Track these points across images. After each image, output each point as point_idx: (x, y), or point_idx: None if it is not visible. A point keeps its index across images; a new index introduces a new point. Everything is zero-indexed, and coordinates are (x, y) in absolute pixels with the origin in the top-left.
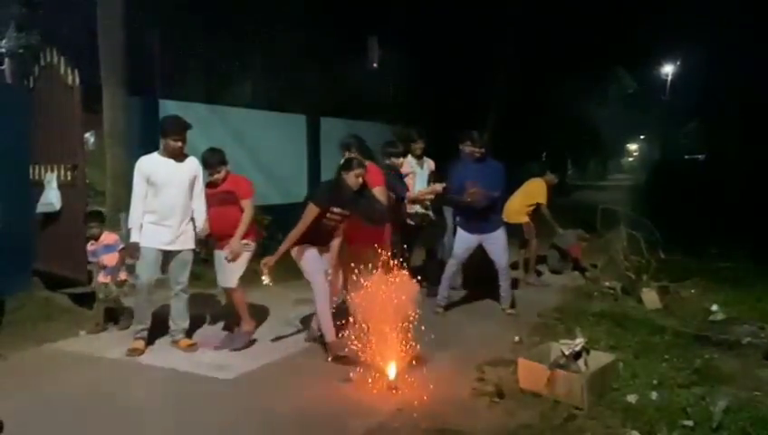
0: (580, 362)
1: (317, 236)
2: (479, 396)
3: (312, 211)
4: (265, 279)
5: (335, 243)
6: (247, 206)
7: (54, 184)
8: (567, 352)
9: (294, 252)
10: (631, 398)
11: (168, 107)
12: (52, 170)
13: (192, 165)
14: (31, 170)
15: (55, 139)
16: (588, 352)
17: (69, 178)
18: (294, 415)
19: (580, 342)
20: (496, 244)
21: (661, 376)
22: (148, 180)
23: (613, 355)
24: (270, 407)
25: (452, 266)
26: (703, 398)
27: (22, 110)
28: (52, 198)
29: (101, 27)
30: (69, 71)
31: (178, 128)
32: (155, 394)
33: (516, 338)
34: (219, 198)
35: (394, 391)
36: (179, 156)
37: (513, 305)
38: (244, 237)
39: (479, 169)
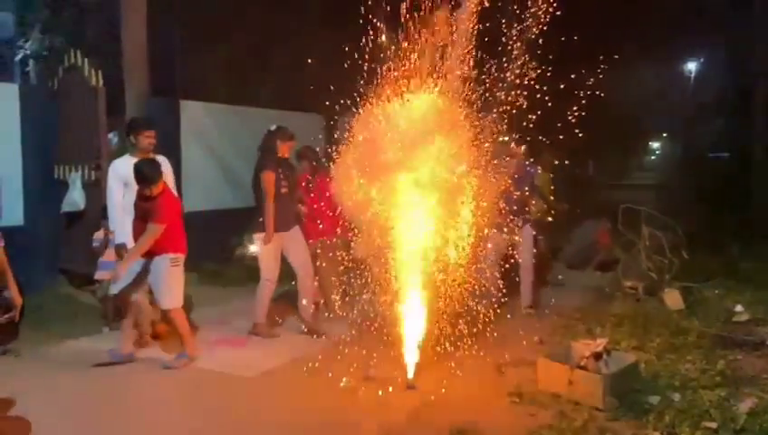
0: (601, 362)
1: (281, 217)
2: (499, 396)
3: (269, 178)
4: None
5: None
6: (151, 229)
7: (79, 184)
8: (588, 353)
9: (260, 240)
10: (653, 399)
11: (189, 107)
12: (77, 170)
13: (164, 164)
14: (55, 170)
15: (79, 139)
16: (609, 353)
17: (93, 177)
18: (313, 413)
19: (601, 342)
20: (523, 240)
21: (684, 377)
22: (126, 183)
23: (635, 356)
24: (289, 405)
25: (491, 262)
26: (726, 399)
27: (46, 111)
28: (76, 198)
29: (125, 29)
30: (92, 72)
31: (150, 125)
32: (176, 391)
33: (536, 338)
34: (143, 214)
35: (413, 391)
36: (150, 154)
37: (532, 305)
38: (171, 251)
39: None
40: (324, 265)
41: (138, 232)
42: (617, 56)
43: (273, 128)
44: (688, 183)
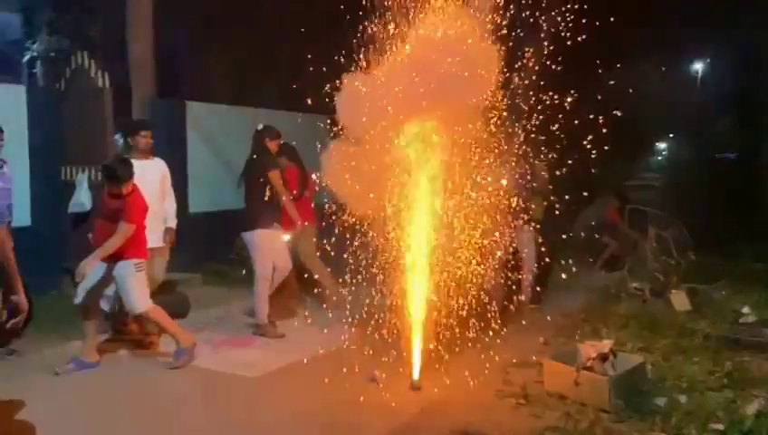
0: (608, 364)
1: (275, 214)
2: (504, 398)
3: (277, 176)
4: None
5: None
6: (123, 229)
7: (85, 184)
8: (594, 355)
9: (258, 236)
10: (660, 401)
11: (195, 108)
12: (83, 171)
13: (161, 165)
14: (62, 171)
15: (86, 140)
16: (615, 355)
17: (99, 178)
18: (318, 414)
19: (607, 343)
20: (524, 235)
21: (690, 379)
22: None
23: (641, 358)
24: (294, 406)
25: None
26: (733, 401)
27: (53, 112)
28: (83, 199)
29: (131, 31)
30: (99, 73)
31: (146, 125)
32: (180, 392)
33: (541, 339)
34: (110, 214)
35: (418, 392)
36: (149, 155)
37: (536, 301)
38: (134, 256)
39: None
40: (307, 242)
41: (101, 231)
42: (622, 58)
43: (260, 127)
44: (695, 184)
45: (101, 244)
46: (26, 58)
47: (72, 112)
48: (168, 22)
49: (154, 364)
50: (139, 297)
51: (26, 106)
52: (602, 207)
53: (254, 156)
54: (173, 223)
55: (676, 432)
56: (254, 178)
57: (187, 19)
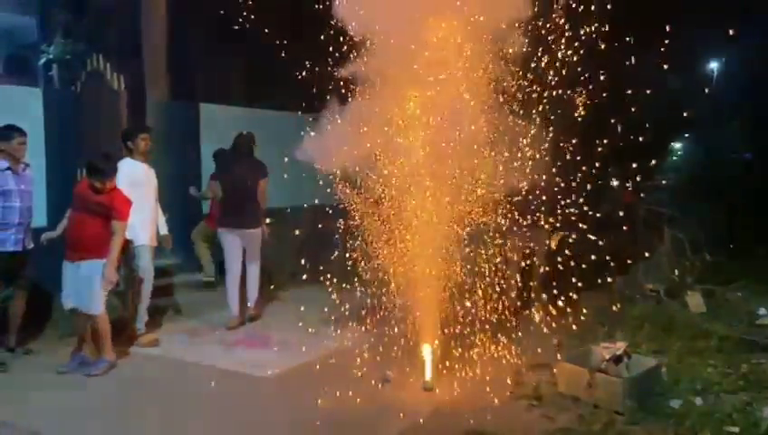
0: (622, 366)
1: None
2: (517, 399)
3: (265, 185)
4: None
5: None
6: (120, 229)
7: None
8: (608, 356)
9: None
10: (674, 403)
11: (209, 110)
12: None
13: (150, 173)
14: (78, 172)
15: (101, 141)
16: (629, 356)
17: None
18: (331, 414)
19: (621, 345)
20: (539, 241)
21: (706, 381)
22: (132, 182)
23: (656, 359)
24: (307, 406)
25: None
26: (749, 404)
27: (69, 114)
28: None
29: (145, 33)
30: (114, 76)
31: (144, 128)
32: (194, 391)
33: (555, 340)
34: (92, 206)
35: (430, 393)
36: (148, 157)
37: (541, 300)
38: (107, 256)
39: None
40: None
41: (77, 226)
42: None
43: (245, 132)
44: (711, 184)
45: (76, 236)
46: (42, 61)
47: (87, 115)
48: (182, 24)
49: (165, 364)
50: (101, 298)
51: (42, 108)
52: (618, 192)
53: (249, 158)
54: (165, 229)
55: None
56: (253, 179)
57: (201, 21)
